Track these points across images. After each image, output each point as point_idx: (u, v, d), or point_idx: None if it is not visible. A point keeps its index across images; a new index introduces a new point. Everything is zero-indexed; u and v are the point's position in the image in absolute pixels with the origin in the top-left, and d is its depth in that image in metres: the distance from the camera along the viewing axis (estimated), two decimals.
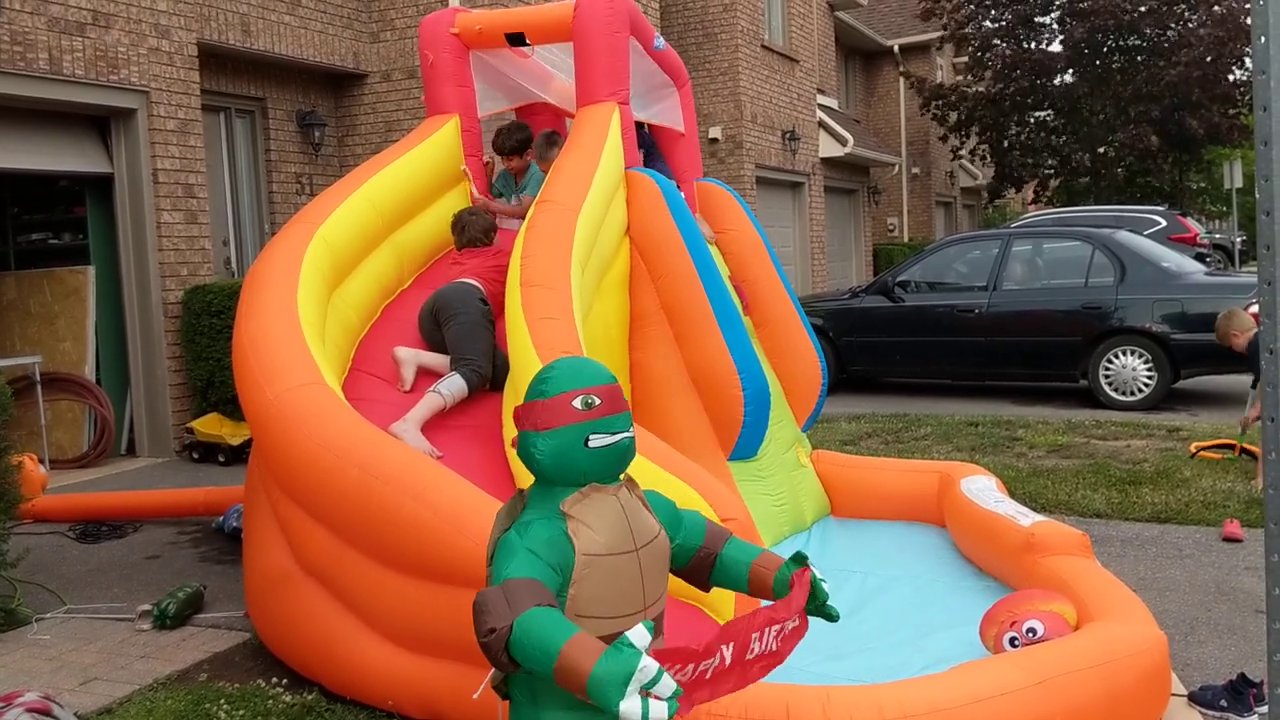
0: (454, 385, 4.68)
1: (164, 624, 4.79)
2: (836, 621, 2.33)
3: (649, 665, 1.76)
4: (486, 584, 2.11)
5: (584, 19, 5.51)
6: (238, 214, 11.22)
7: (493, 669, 2.16)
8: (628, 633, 1.81)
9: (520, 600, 1.94)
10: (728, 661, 2.02)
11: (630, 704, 1.74)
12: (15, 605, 4.97)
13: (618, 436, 2.19)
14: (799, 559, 2.31)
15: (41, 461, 7.65)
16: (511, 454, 4.38)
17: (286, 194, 11.55)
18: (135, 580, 5.63)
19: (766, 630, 2.11)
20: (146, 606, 4.89)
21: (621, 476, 2.26)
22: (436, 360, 4.93)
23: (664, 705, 1.76)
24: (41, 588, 5.40)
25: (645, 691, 1.76)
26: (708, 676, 1.99)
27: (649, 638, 1.81)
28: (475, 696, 2.68)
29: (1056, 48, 25.47)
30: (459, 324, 4.88)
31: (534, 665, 1.89)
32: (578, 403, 2.16)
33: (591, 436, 2.16)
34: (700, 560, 2.42)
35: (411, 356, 4.91)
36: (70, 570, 5.85)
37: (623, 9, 5.52)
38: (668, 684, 1.76)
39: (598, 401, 2.17)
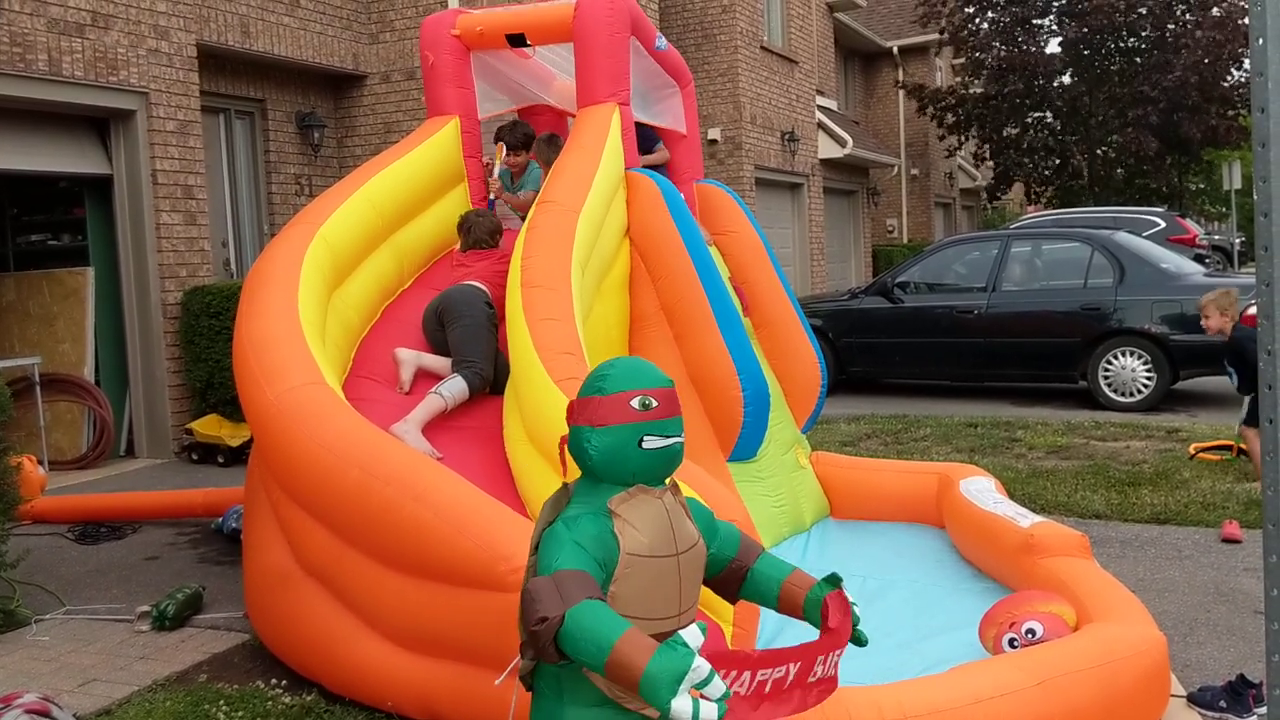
0: (455, 387, 4.68)
1: (163, 625, 4.79)
2: (864, 646, 2.32)
3: (701, 666, 1.79)
4: (530, 574, 2.13)
5: (584, 19, 5.51)
6: (237, 215, 11.23)
7: (518, 659, 2.17)
8: (681, 632, 1.84)
9: (572, 592, 1.96)
10: (790, 678, 2.03)
11: (681, 702, 1.77)
12: (14, 606, 4.97)
13: (670, 440, 2.20)
14: (833, 580, 2.30)
15: (40, 463, 7.65)
16: (510, 456, 4.39)
17: (286, 195, 11.55)
18: (134, 581, 5.63)
19: (830, 656, 2.13)
20: (145, 608, 4.89)
21: (667, 481, 2.27)
22: (437, 363, 4.93)
23: (714, 706, 1.79)
24: (40, 589, 5.40)
25: (696, 692, 1.77)
26: (767, 689, 1.99)
27: (702, 639, 1.84)
28: (497, 683, 2.70)
29: (1054, 49, 25.47)
30: (463, 326, 4.88)
31: (585, 657, 1.90)
32: (635, 403, 2.17)
33: (646, 438, 2.17)
34: (731, 572, 2.42)
35: (412, 358, 4.91)
36: (69, 571, 5.85)
37: (623, 9, 5.52)
38: (718, 685, 1.79)
39: (655, 403, 2.18)
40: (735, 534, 2.44)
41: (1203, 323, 6.55)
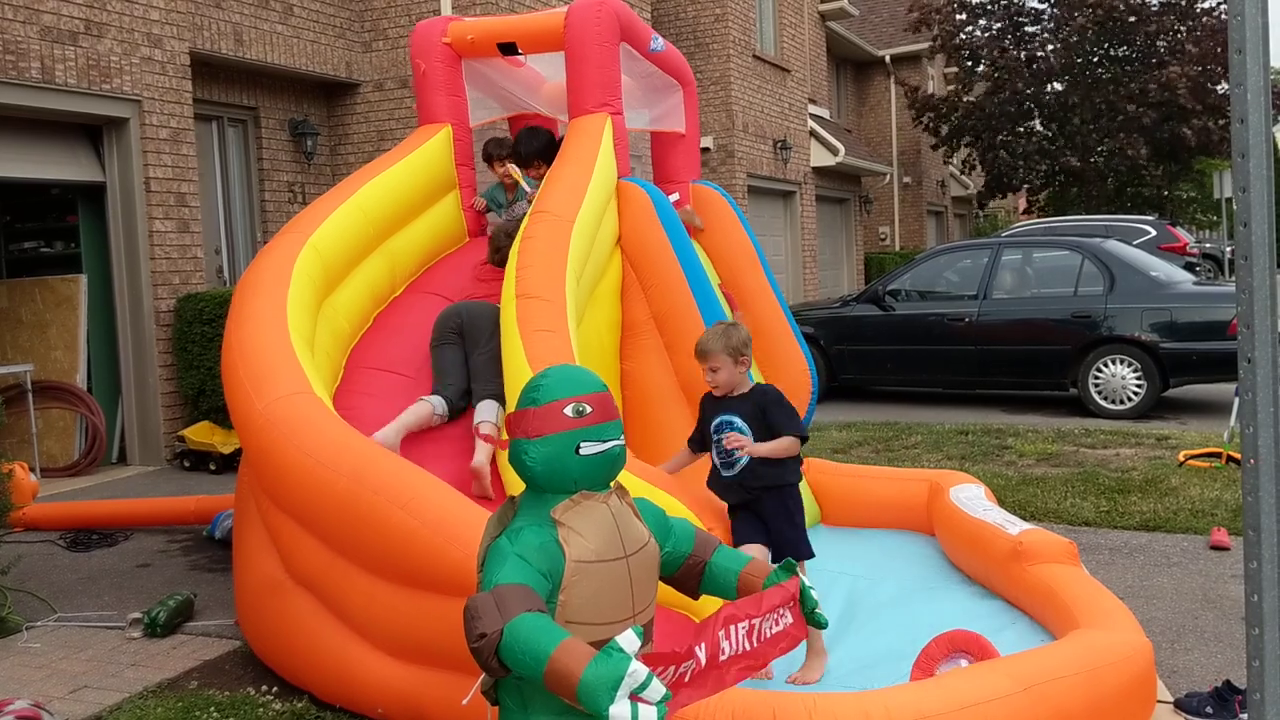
0: (495, 412, 4.62)
1: (154, 632, 4.79)
2: (825, 628, 2.36)
3: (638, 670, 1.78)
4: (477, 590, 2.13)
5: (574, 30, 5.53)
6: (230, 223, 11.23)
7: (483, 675, 2.18)
8: (617, 638, 1.83)
9: (510, 606, 1.96)
10: (703, 662, 2.05)
11: (620, 708, 1.77)
12: (6, 613, 4.97)
13: (608, 444, 2.21)
14: (788, 567, 2.33)
15: (32, 470, 7.64)
16: (502, 465, 4.40)
17: (279, 203, 11.56)
18: (126, 588, 5.63)
19: (732, 629, 2.14)
20: (137, 615, 4.89)
21: (611, 484, 2.28)
22: (415, 419, 4.67)
23: (653, 710, 1.79)
24: (32, 596, 5.40)
25: (635, 696, 1.78)
26: (686, 679, 2.02)
27: (639, 643, 1.84)
28: (465, 703, 2.70)
29: (1046, 56, 25.56)
30: (492, 353, 4.79)
31: (524, 670, 1.91)
32: (569, 410, 2.18)
33: (582, 444, 2.18)
34: (689, 568, 2.44)
35: (394, 435, 4.52)
36: (61, 578, 5.85)
37: (612, 18, 5.53)
38: (657, 688, 1.79)
39: (589, 409, 2.19)
40: (690, 530, 2.46)
41: (711, 376, 4.14)
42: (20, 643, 4.82)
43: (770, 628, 2.20)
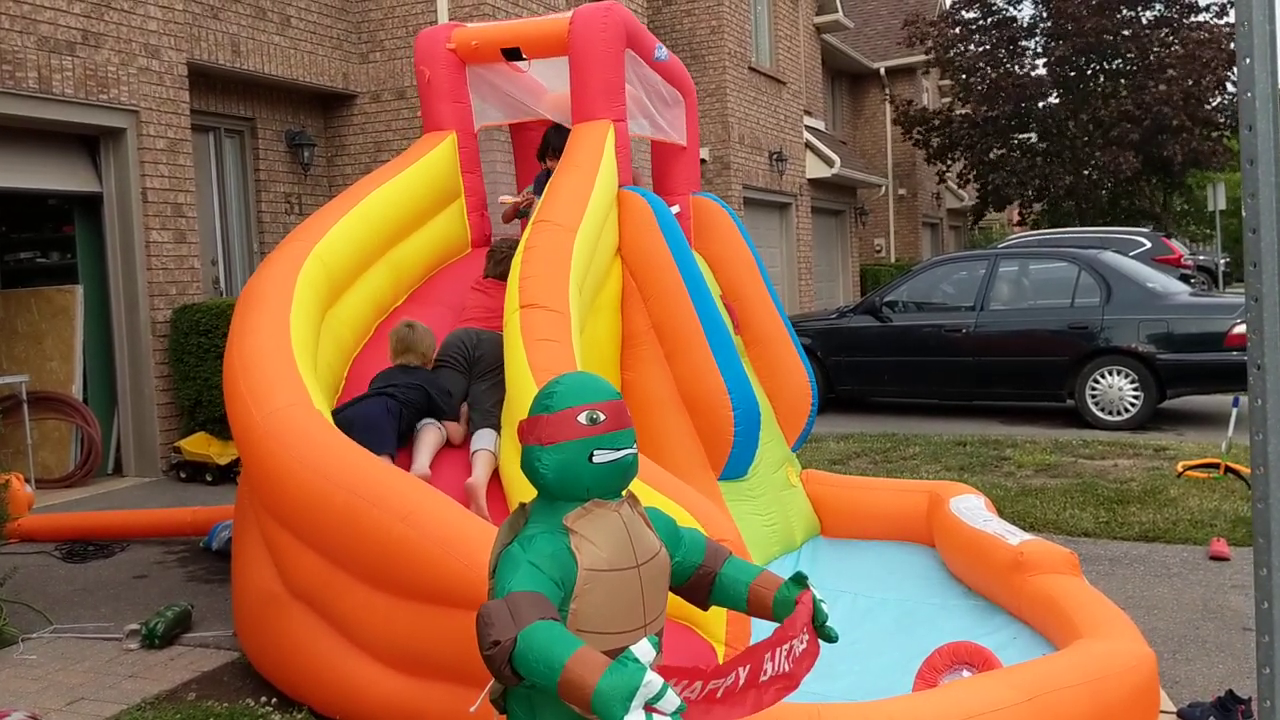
0: (495, 442, 4.62)
1: (152, 643, 4.77)
2: (835, 642, 2.34)
3: (653, 680, 1.77)
4: (489, 597, 2.12)
5: (580, 35, 5.50)
6: (227, 233, 11.21)
7: (491, 682, 2.17)
8: (632, 648, 1.82)
9: (524, 613, 1.95)
10: (741, 682, 2.04)
11: (634, 718, 1.76)
12: (2, 625, 4.94)
13: (621, 453, 2.20)
14: (799, 579, 2.31)
15: (28, 481, 7.61)
16: (504, 476, 4.39)
17: (275, 214, 11.55)
18: (123, 600, 5.60)
19: (777, 651, 2.13)
20: (134, 626, 4.87)
21: (624, 493, 2.27)
22: (436, 445, 4.68)
23: None
24: (28, 607, 5.36)
25: (649, 707, 1.77)
26: (719, 695, 2.00)
27: (654, 653, 1.82)
28: (473, 710, 2.68)
29: (1040, 70, 25.65)
30: (496, 383, 4.78)
31: (538, 678, 1.90)
32: (582, 418, 2.17)
33: (596, 452, 2.16)
34: (699, 578, 2.42)
35: (426, 465, 4.55)
36: (57, 590, 5.82)
37: (618, 24, 5.51)
38: (671, 699, 1.78)
39: (603, 417, 2.18)
40: (701, 540, 2.44)
41: None
42: (16, 654, 4.78)
43: (799, 646, 2.19)
